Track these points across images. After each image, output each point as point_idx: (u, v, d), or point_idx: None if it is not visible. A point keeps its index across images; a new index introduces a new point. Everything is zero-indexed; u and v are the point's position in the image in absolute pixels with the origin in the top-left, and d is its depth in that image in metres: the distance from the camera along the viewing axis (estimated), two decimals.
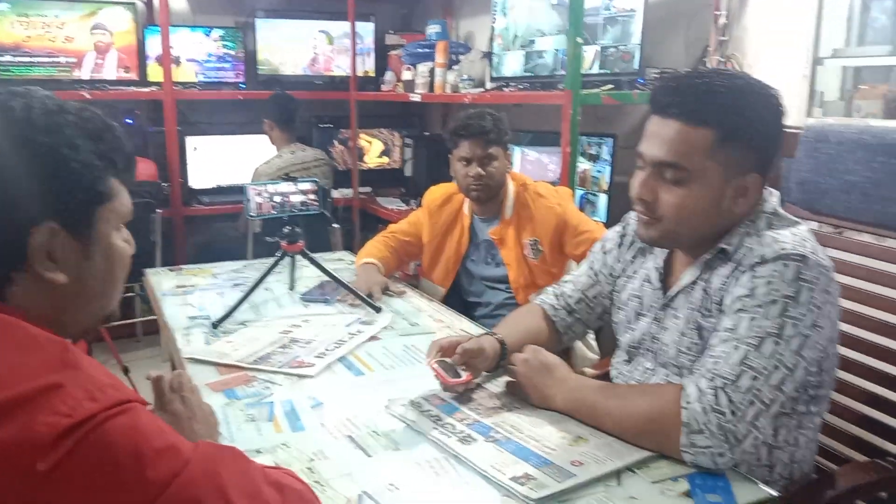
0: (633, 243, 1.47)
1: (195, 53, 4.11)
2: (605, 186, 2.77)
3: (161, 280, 2.26)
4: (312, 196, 1.97)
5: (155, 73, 3.95)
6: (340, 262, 2.50)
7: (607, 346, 1.90)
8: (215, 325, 1.78)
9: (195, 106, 4.25)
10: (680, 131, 1.18)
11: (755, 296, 1.14)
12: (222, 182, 4.17)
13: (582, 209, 2.69)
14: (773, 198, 1.28)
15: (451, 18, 4.24)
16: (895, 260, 1.45)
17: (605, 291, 1.53)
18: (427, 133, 4.48)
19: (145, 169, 3.68)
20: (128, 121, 3.91)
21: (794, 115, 2.26)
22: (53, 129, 0.76)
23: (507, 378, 1.40)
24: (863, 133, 1.46)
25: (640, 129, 1.28)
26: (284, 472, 0.90)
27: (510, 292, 2.23)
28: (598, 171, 2.79)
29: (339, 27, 4.35)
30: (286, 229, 1.94)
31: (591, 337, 2.12)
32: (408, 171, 4.14)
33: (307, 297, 2.06)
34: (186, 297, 2.09)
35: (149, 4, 4.13)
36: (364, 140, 4.43)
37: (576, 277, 1.59)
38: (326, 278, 2.03)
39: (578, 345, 2.07)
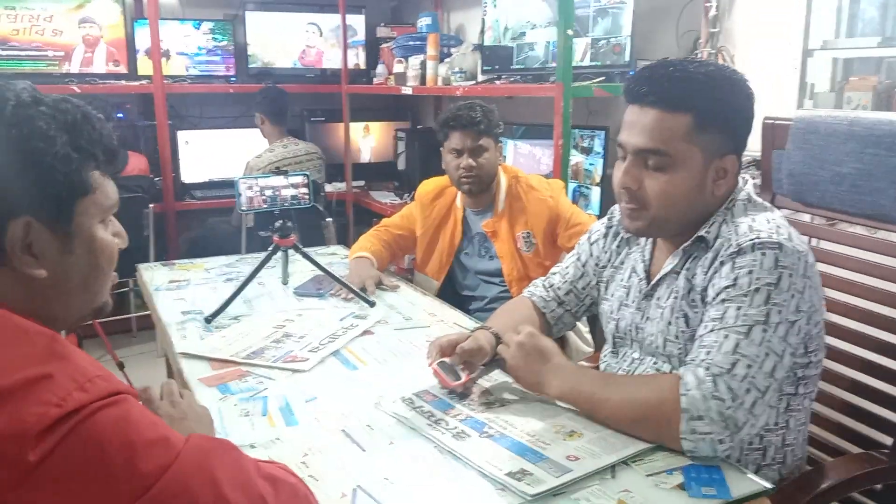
0: (619, 234, 1.49)
1: (185, 47, 4.09)
2: (597, 179, 2.77)
3: (154, 275, 2.26)
4: (304, 190, 1.96)
5: (145, 66, 3.93)
6: (334, 257, 2.49)
7: (601, 339, 1.91)
8: (209, 320, 1.78)
9: (186, 100, 4.23)
10: (659, 118, 1.21)
11: (738, 286, 1.16)
12: (214, 176, 4.16)
13: (575, 202, 2.69)
14: (747, 185, 1.31)
15: (441, 11, 4.23)
16: (887, 252, 1.45)
17: (593, 282, 1.54)
18: (419, 126, 4.47)
19: (137, 163, 3.67)
20: (118, 115, 3.89)
21: (785, 107, 2.27)
22: (24, 122, 0.75)
23: (500, 374, 1.40)
24: (853, 124, 1.46)
25: None
26: (278, 466, 0.90)
27: (504, 286, 2.24)
28: (591, 164, 2.79)
29: (330, 20, 4.34)
30: (278, 223, 1.93)
31: (585, 330, 2.13)
32: (401, 165, 4.13)
33: (300, 292, 2.05)
34: (180, 291, 2.08)
35: None
36: None
37: (563, 269, 1.60)
38: (320, 272, 2.03)
39: (573, 338, 2.08)
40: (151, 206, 3.61)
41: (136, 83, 3.91)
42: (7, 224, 0.75)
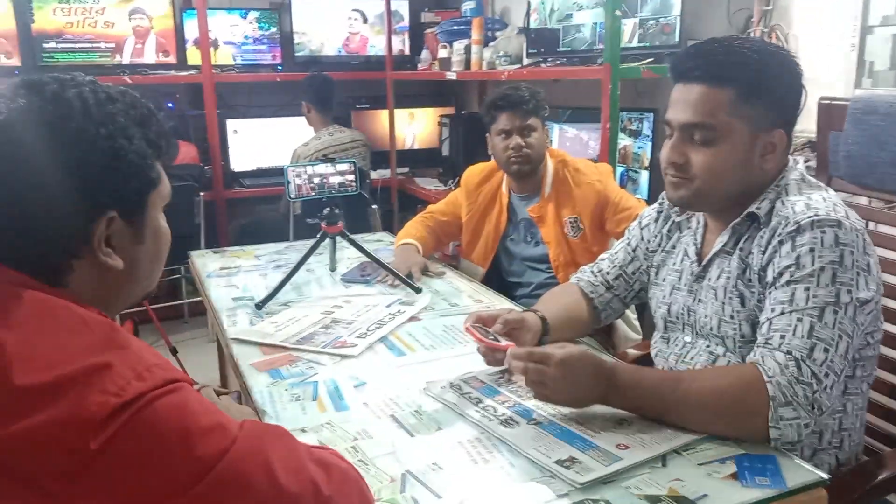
0: (670, 218, 1.47)
1: (232, 36, 4.14)
2: (646, 163, 2.73)
3: (206, 262, 2.30)
4: (350, 177, 1.98)
5: (193, 56, 3.99)
6: (380, 243, 2.51)
7: (650, 326, 1.89)
8: (259, 306, 1.81)
9: (234, 89, 4.29)
10: (703, 93, 1.22)
11: (802, 265, 1.15)
12: (262, 164, 4.22)
13: (623, 186, 2.65)
14: (799, 165, 1.30)
15: None
16: None
17: (644, 267, 1.53)
18: (464, 112, 4.46)
19: (187, 152, 3.73)
20: (168, 105, 3.96)
21: (842, 87, 2.19)
22: (108, 119, 0.78)
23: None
24: None
25: None
26: (329, 452, 0.91)
27: (550, 272, 2.22)
28: (639, 148, 2.75)
29: (374, 6, 4.34)
30: (326, 211, 1.95)
31: (633, 317, 2.10)
32: (445, 151, 4.13)
33: (347, 278, 2.07)
34: (230, 278, 2.12)
35: None
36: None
37: (613, 254, 1.59)
38: (366, 259, 2.05)
39: (621, 325, 2.05)
40: (202, 194, 3.69)
41: (186, 73, 3.98)
42: (96, 219, 0.77)
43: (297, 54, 4.26)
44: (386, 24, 4.18)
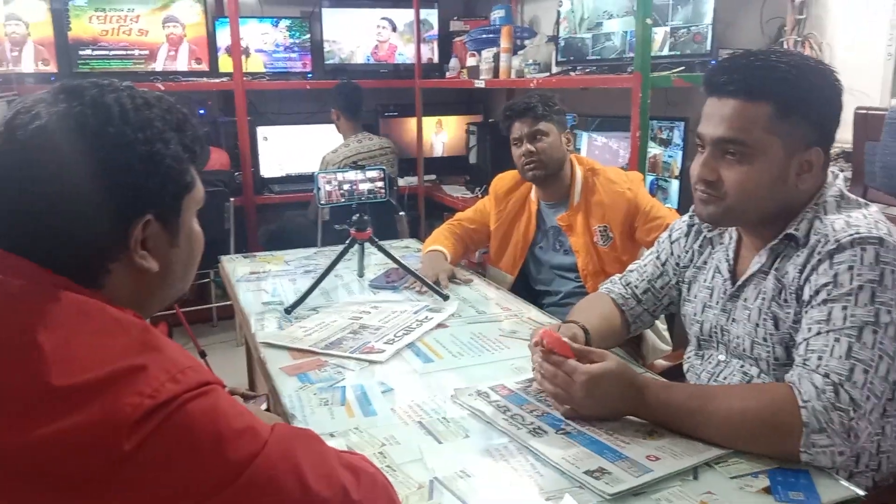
0: (702, 233, 1.44)
1: (263, 44, 4.20)
2: (676, 172, 2.71)
3: (236, 266, 2.33)
4: (380, 184, 1.98)
5: (225, 64, 4.04)
6: (407, 250, 2.52)
7: (679, 337, 1.87)
8: (288, 311, 1.82)
9: (264, 96, 4.34)
10: (738, 108, 1.18)
11: (840, 283, 1.11)
12: (291, 171, 4.26)
13: (653, 195, 2.63)
14: (838, 181, 1.25)
15: (515, 3, 4.19)
16: None
17: (673, 282, 1.50)
18: (491, 120, 4.46)
19: (218, 158, 3.79)
20: (200, 111, 4.02)
21: (878, 96, 2.16)
22: (147, 125, 0.79)
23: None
24: None
25: None
26: (358, 457, 0.91)
27: (579, 281, 2.21)
28: (670, 157, 2.73)
29: (404, 15, 4.37)
30: (355, 217, 1.96)
31: (663, 328, 2.08)
32: (472, 159, 4.13)
33: (375, 284, 2.08)
34: (260, 283, 2.14)
35: None
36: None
37: (642, 266, 1.56)
38: (393, 265, 2.05)
39: (651, 336, 2.03)
40: (232, 199, 3.73)
41: (217, 80, 4.03)
42: (133, 222, 0.78)
43: (326, 62, 4.30)
44: (415, 33, 4.20)
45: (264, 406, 1.37)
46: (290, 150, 4.26)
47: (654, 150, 2.75)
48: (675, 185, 2.71)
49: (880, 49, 2.18)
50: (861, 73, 2.18)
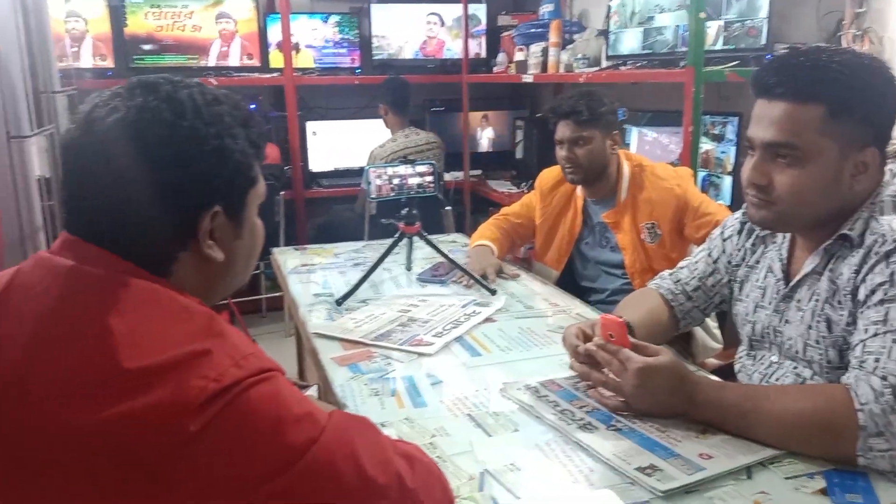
0: (755, 231, 1.42)
1: (313, 40, 4.25)
2: (729, 168, 2.66)
3: (287, 259, 2.37)
4: (429, 178, 2.00)
5: (276, 59, 4.10)
6: (453, 244, 2.53)
7: (731, 335, 1.84)
8: (339, 303, 1.85)
9: (314, 91, 4.39)
10: (788, 110, 1.15)
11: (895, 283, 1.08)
12: (340, 165, 4.31)
13: (704, 191, 2.59)
14: (895, 180, 1.21)
15: None
16: None
17: (724, 280, 1.48)
18: (538, 115, 4.44)
19: (270, 153, 3.85)
20: (251, 106, 4.09)
21: None
22: (217, 120, 0.81)
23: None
24: None
25: None
26: (412, 446, 0.92)
27: (626, 278, 2.19)
28: (723, 152, 2.68)
29: (452, 10, 4.37)
30: (404, 211, 1.98)
31: (714, 325, 2.05)
32: (518, 154, 4.12)
33: (423, 278, 2.09)
34: (310, 275, 2.18)
35: None
36: None
37: (692, 263, 1.54)
38: (441, 259, 2.06)
39: (701, 333, 2.00)
40: (282, 193, 3.79)
41: (268, 76, 4.10)
42: (203, 213, 0.81)
43: (374, 57, 4.33)
44: (463, 28, 4.20)
45: (315, 395, 1.40)
46: (338, 145, 4.30)
47: (706, 145, 2.71)
48: (727, 182, 2.67)
49: None
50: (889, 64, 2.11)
